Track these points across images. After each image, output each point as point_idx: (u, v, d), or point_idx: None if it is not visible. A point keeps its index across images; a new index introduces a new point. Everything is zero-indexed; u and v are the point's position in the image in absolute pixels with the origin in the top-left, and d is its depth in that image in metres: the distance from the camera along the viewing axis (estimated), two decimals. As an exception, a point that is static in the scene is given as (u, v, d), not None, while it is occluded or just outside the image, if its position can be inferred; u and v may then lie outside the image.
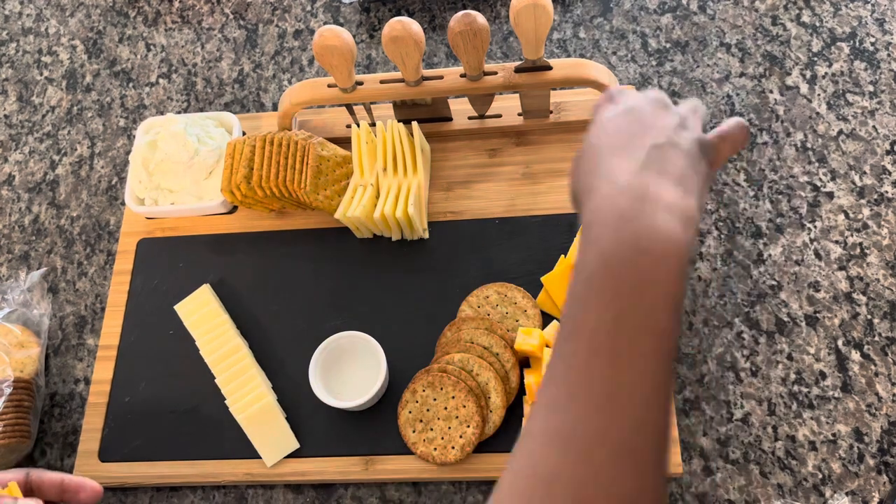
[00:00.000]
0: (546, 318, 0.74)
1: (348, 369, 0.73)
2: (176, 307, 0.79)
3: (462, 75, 0.76)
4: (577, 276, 0.45)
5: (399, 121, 0.82)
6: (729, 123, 0.51)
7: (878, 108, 0.82)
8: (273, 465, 0.72)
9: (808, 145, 0.81)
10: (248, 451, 0.73)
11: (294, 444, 0.73)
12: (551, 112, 0.83)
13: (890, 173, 0.79)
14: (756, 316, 0.74)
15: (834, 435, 0.69)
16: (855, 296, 0.74)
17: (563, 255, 0.75)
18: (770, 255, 0.76)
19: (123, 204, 0.89)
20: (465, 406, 0.68)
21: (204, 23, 0.99)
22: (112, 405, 0.77)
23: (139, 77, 0.97)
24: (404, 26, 0.70)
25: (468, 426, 0.68)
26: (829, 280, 0.75)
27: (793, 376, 0.72)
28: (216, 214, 0.84)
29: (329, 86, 0.78)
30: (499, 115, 0.83)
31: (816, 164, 0.80)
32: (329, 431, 0.73)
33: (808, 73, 0.85)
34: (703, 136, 0.49)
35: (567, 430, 0.41)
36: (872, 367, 0.71)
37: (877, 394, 0.70)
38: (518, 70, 0.75)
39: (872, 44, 0.85)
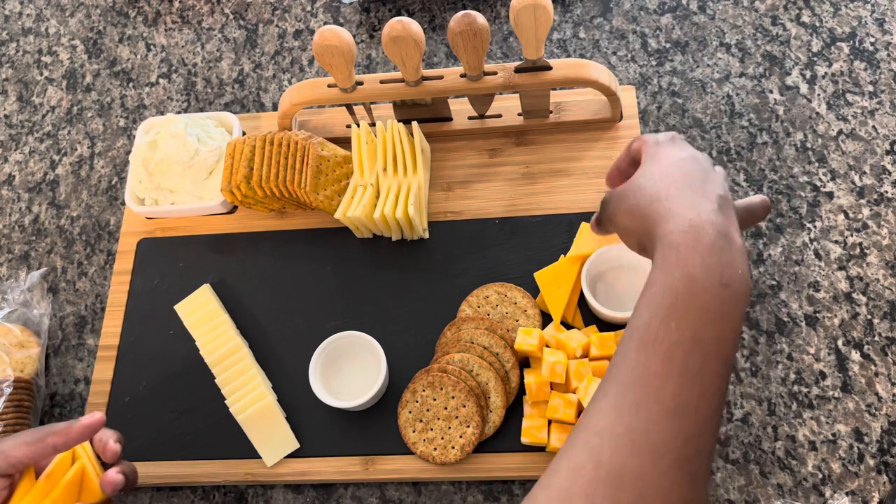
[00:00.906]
0: (546, 318, 0.74)
1: (348, 369, 0.73)
2: (176, 307, 0.79)
3: (462, 75, 0.76)
4: (660, 291, 0.48)
5: (399, 121, 0.82)
6: (754, 200, 0.56)
7: (878, 108, 0.82)
8: (273, 465, 0.72)
9: (808, 145, 0.81)
10: (248, 451, 0.73)
11: (294, 444, 0.73)
12: (551, 112, 0.83)
13: (890, 173, 0.79)
14: (756, 316, 0.74)
15: (834, 435, 0.69)
16: (855, 296, 0.74)
17: (563, 255, 0.75)
18: (770, 255, 0.76)
19: (123, 204, 0.89)
20: (465, 406, 0.68)
21: (204, 23, 0.99)
22: (112, 405, 0.77)
23: (139, 77, 0.97)
24: (404, 26, 0.70)
25: (468, 426, 0.68)
26: (828, 280, 0.75)
27: (793, 376, 0.72)
28: (216, 214, 0.84)
29: (329, 86, 0.78)
30: (499, 115, 0.83)
31: (816, 164, 0.80)
32: (329, 431, 0.73)
33: (808, 73, 0.85)
34: (739, 201, 0.55)
35: (638, 433, 0.44)
36: (872, 367, 0.71)
37: (877, 394, 0.70)
38: (518, 70, 0.75)
39: (872, 44, 0.85)
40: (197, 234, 0.84)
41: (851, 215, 0.77)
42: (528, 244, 0.78)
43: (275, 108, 0.92)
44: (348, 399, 0.71)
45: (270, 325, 0.78)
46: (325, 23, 0.97)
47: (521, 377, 0.71)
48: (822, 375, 0.71)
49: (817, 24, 0.87)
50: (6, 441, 0.58)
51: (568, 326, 0.73)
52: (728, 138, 0.82)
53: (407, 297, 0.78)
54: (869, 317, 0.73)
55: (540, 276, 0.74)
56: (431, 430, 0.69)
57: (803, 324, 0.73)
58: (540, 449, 0.69)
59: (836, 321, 0.73)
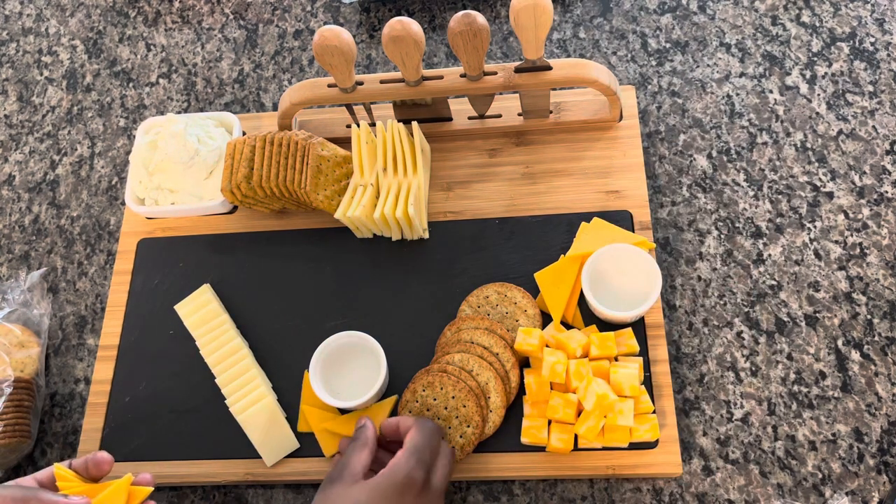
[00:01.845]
0: (546, 318, 0.74)
1: (348, 369, 0.73)
2: (176, 307, 0.79)
3: (462, 75, 0.76)
4: None
5: (399, 121, 0.82)
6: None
7: (878, 108, 0.82)
8: (273, 465, 0.72)
9: (808, 145, 0.81)
10: (248, 451, 0.73)
11: (294, 444, 0.73)
12: (551, 112, 0.83)
13: (890, 173, 0.79)
14: (756, 316, 0.74)
15: (834, 435, 0.69)
16: (855, 296, 0.74)
17: (563, 255, 0.75)
18: (770, 255, 0.77)
19: (123, 204, 0.89)
20: (464, 406, 0.68)
21: (204, 23, 0.99)
22: (112, 405, 0.77)
23: (139, 77, 0.97)
24: (404, 26, 0.70)
25: (468, 426, 0.68)
26: (828, 280, 0.75)
27: (793, 376, 0.72)
28: (216, 214, 0.84)
29: (329, 86, 0.78)
30: (499, 115, 0.83)
31: (816, 164, 0.80)
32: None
33: (808, 73, 0.85)
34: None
35: None
36: (872, 367, 0.71)
37: (876, 394, 0.70)
38: (518, 70, 0.75)
39: (872, 44, 0.85)
40: (197, 234, 0.84)
41: (851, 215, 0.77)
42: (528, 244, 0.78)
43: (275, 108, 0.92)
44: (348, 399, 0.71)
45: (270, 325, 0.78)
46: (325, 23, 0.97)
47: (521, 377, 0.71)
48: (822, 375, 0.71)
49: (817, 24, 0.87)
50: None
51: (568, 326, 0.73)
52: (728, 138, 0.82)
53: (407, 297, 0.78)
54: (869, 317, 0.73)
55: (540, 276, 0.75)
56: (431, 430, 0.69)
57: (803, 324, 0.73)
58: (540, 449, 0.69)
59: (836, 321, 0.73)
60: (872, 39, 0.86)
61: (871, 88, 0.83)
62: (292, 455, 0.72)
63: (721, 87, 0.85)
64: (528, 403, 0.70)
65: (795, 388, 0.71)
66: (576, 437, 0.68)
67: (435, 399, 0.69)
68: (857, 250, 0.76)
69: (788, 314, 0.74)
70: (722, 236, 0.78)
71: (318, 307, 0.78)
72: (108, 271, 0.86)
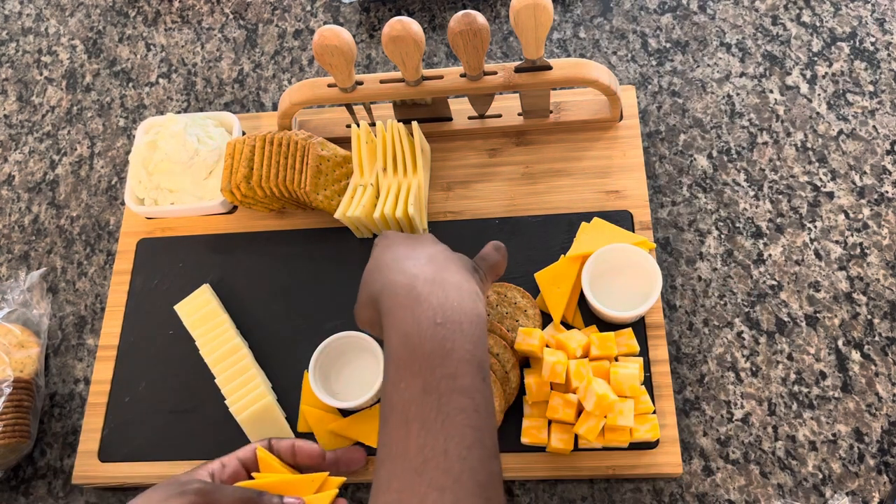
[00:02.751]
0: (546, 318, 0.74)
1: (348, 369, 0.73)
2: (176, 307, 0.79)
3: (462, 75, 0.76)
4: (388, 360, 0.51)
5: (399, 121, 0.82)
6: (486, 248, 0.63)
7: (879, 107, 0.82)
8: (273, 466, 0.72)
9: (809, 145, 0.81)
10: (247, 451, 0.73)
11: (294, 445, 0.73)
12: (551, 112, 0.83)
13: (890, 173, 0.79)
14: (756, 316, 0.74)
15: (834, 435, 0.69)
16: (855, 296, 0.74)
17: (563, 255, 0.75)
18: (770, 255, 0.76)
19: (123, 204, 0.89)
20: (465, 406, 0.68)
21: (204, 23, 0.99)
22: (112, 405, 0.77)
23: (139, 77, 0.97)
24: (404, 26, 0.70)
25: (468, 426, 0.68)
26: (829, 280, 0.75)
27: (793, 376, 0.72)
28: (216, 214, 0.84)
29: (329, 86, 0.78)
30: (499, 115, 0.83)
31: (816, 164, 0.80)
32: (329, 431, 0.73)
33: (809, 73, 0.85)
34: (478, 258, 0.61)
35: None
36: (872, 367, 0.71)
37: (877, 394, 0.70)
38: (518, 70, 0.75)
39: (872, 44, 0.85)
40: (197, 234, 0.84)
41: (852, 215, 0.77)
42: (528, 244, 0.78)
43: (275, 108, 0.92)
44: (348, 399, 0.71)
45: (270, 326, 0.78)
46: (325, 22, 0.96)
47: (522, 377, 0.71)
48: (823, 375, 0.71)
49: (818, 24, 0.87)
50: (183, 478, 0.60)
51: (568, 326, 0.73)
52: (728, 138, 0.82)
53: (407, 297, 0.77)
54: (869, 317, 0.73)
55: (540, 276, 0.74)
56: (431, 430, 0.69)
57: (803, 324, 0.73)
58: (540, 449, 0.69)
59: (837, 321, 0.73)
60: (873, 39, 0.86)
61: (871, 88, 0.83)
62: (292, 455, 0.72)
63: (721, 86, 0.85)
64: (528, 404, 0.69)
65: (796, 388, 0.71)
66: (576, 437, 0.68)
67: (435, 399, 0.69)
68: (858, 250, 0.76)
69: (789, 314, 0.74)
70: (722, 236, 0.78)
71: (317, 307, 0.78)
72: (107, 271, 0.86)
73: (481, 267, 0.60)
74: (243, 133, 0.87)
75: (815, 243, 0.77)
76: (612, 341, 0.69)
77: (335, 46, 0.71)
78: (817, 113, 0.82)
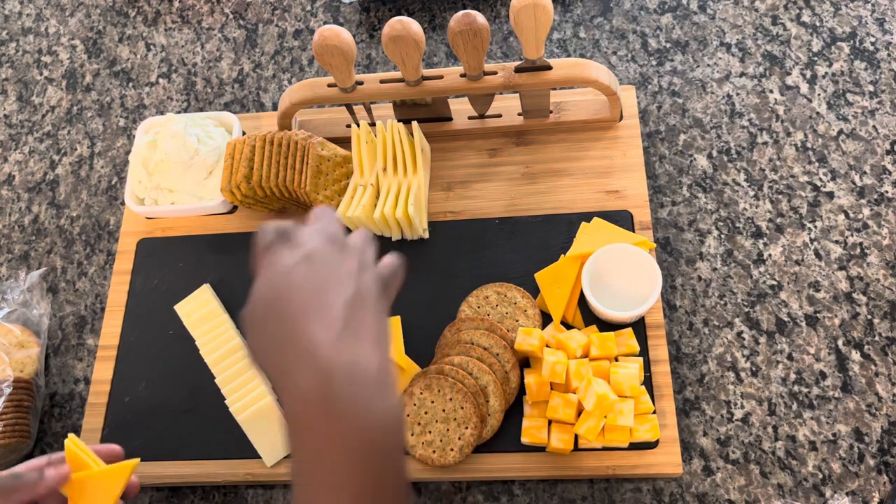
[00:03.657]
0: (546, 318, 0.74)
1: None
2: (176, 307, 0.79)
3: (462, 75, 0.76)
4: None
5: (399, 121, 0.82)
6: (385, 261, 0.50)
7: (879, 107, 0.82)
8: (273, 465, 0.72)
9: (808, 145, 0.81)
10: (248, 451, 0.73)
11: (294, 444, 0.72)
12: (551, 112, 0.83)
13: (890, 173, 0.79)
14: (756, 316, 0.74)
15: (834, 435, 0.69)
16: (855, 296, 0.74)
17: (563, 255, 0.75)
18: (770, 255, 0.76)
19: (123, 204, 0.89)
20: (462, 408, 0.68)
21: (204, 23, 0.99)
22: (112, 405, 0.77)
23: (139, 77, 0.97)
24: (404, 26, 0.70)
25: (466, 427, 0.68)
26: (829, 280, 0.75)
27: (793, 376, 0.72)
28: (216, 214, 0.84)
29: (329, 86, 0.78)
30: (499, 115, 0.83)
31: (816, 164, 0.80)
32: (329, 431, 0.73)
33: (809, 73, 0.85)
34: (380, 270, 0.49)
35: None
36: (872, 367, 0.71)
37: (877, 394, 0.70)
38: (518, 70, 0.75)
39: (872, 43, 0.85)
40: (197, 234, 0.84)
41: (852, 215, 0.77)
42: (528, 244, 0.78)
43: (275, 108, 0.92)
44: None
45: (270, 325, 0.78)
46: (325, 22, 0.96)
47: (522, 377, 0.71)
48: (823, 375, 0.71)
49: (818, 24, 0.87)
50: None
51: (568, 326, 0.73)
52: (728, 138, 0.82)
53: (406, 297, 0.77)
54: (869, 317, 0.73)
55: (540, 276, 0.74)
56: (430, 432, 0.69)
57: (803, 324, 0.73)
58: (540, 449, 0.69)
59: (837, 321, 0.73)
60: (873, 39, 0.86)
61: (871, 88, 0.83)
62: (292, 455, 0.72)
63: (721, 86, 0.85)
64: (528, 403, 0.70)
65: (796, 388, 0.71)
66: (576, 437, 0.68)
67: (432, 402, 0.69)
68: (858, 250, 0.76)
69: (789, 314, 0.74)
70: (722, 236, 0.78)
71: (317, 307, 0.78)
72: (107, 271, 0.86)
73: (389, 281, 0.50)
74: (243, 133, 0.87)
75: (815, 243, 0.77)
76: (612, 341, 0.69)
77: (335, 46, 0.71)
78: (817, 113, 0.82)
